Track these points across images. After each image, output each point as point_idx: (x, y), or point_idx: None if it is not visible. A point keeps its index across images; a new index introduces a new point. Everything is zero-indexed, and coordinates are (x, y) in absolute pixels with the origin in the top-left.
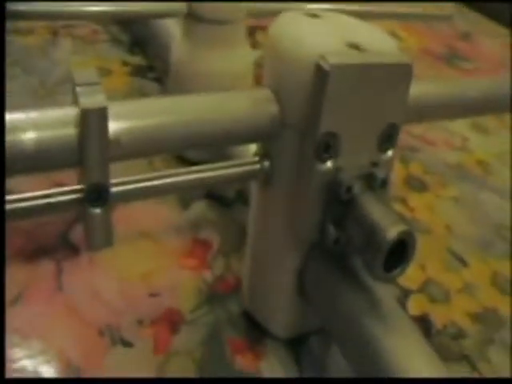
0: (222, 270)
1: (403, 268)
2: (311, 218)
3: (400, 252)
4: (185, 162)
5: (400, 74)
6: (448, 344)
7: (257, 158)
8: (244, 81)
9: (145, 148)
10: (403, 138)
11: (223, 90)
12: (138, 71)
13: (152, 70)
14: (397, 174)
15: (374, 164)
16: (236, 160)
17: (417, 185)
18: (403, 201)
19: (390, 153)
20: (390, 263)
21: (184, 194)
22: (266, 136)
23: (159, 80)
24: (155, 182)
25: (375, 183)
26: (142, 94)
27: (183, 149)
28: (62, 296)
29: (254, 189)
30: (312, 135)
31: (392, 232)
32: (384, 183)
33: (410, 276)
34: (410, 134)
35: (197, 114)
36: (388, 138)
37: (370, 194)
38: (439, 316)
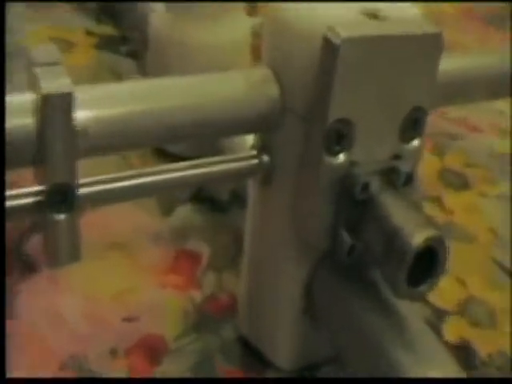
0: (213, 288)
1: (432, 282)
2: (320, 223)
3: (428, 263)
4: (167, 157)
5: (427, 46)
6: None
7: (254, 152)
8: (239, 56)
9: (118, 140)
10: (438, 122)
11: (213, 68)
12: (107, 43)
13: (125, 42)
14: (429, 168)
15: (397, 156)
16: (229, 154)
17: (455, 181)
18: (437, 201)
19: (415, 142)
20: (415, 276)
21: (166, 196)
22: (266, 125)
23: (134, 55)
24: (132, 182)
25: (398, 179)
26: (113, 72)
27: (165, 142)
28: (14, 323)
29: (251, 189)
30: (320, 123)
31: (417, 238)
32: (409, 179)
33: (446, 293)
34: (447, 117)
35: (181, 100)
36: (413, 124)
37: (392, 193)
38: (483, 343)
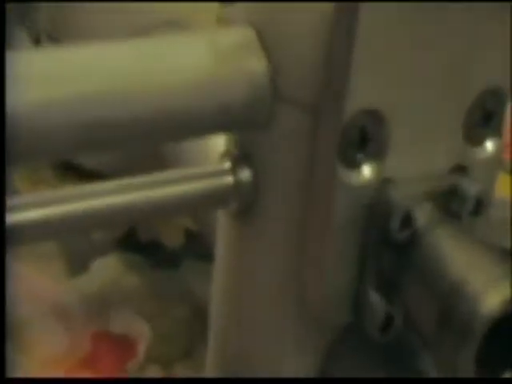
0: None
1: None
2: (335, 279)
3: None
4: (76, 174)
5: None
6: None
7: (228, 165)
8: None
9: (14, 146)
10: None
11: (163, 26)
12: None
13: None
14: None
15: (460, 168)
16: (184, 169)
17: None
18: None
19: (490, 145)
20: (491, 361)
21: (77, 242)
22: (246, 121)
23: None
24: (27, 215)
25: (462, 206)
26: None
27: (83, 149)
28: None
29: (222, 225)
30: (333, 117)
31: (490, 298)
32: (480, 205)
33: None
34: None
35: (111, 82)
36: (486, 116)
37: (451, 229)
38: None
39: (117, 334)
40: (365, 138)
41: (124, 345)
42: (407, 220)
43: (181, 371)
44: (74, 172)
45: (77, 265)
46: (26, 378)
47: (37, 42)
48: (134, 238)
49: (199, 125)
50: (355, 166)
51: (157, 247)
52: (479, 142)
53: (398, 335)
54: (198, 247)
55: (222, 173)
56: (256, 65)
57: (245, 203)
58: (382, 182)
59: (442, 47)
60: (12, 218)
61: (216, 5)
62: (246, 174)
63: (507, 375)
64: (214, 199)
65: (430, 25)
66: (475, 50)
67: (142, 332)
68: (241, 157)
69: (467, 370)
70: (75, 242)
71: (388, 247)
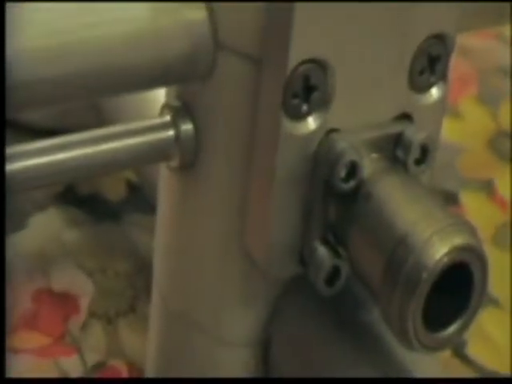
0: (100, 352)
1: (464, 322)
2: (280, 232)
3: (457, 290)
4: (12, 130)
5: None
6: None
7: (167, 118)
8: None
9: None
10: (485, 49)
11: None
12: None
13: None
14: (472, 132)
15: (405, 116)
16: (123, 124)
17: None
18: (487, 187)
19: (435, 92)
20: (436, 313)
21: (12, 197)
22: (186, 72)
23: None
24: None
25: (407, 155)
26: None
27: (17, 106)
28: None
29: (163, 178)
30: (277, 67)
31: (437, 249)
32: (425, 154)
33: (499, 343)
34: (502, 38)
35: (46, 36)
36: (431, 62)
37: (396, 178)
38: None
39: (58, 291)
40: (309, 88)
41: (66, 301)
42: (353, 170)
43: (124, 327)
44: (9, 129)
45: (15, 221)
46: (26, 378)
47: None
48: (74, 191)
49: (139, 78)
50: (300, 116)
51: (97, 200)
52: (425, 88)
53: (345, 288)
54: (141, 200)
55: (163, 126)
56: (195, 14)
57: (187, 157)
58: (328, 133)
59: None
60: None
61: None
62: (187, 127)
63: (453, 328)
64: (156, 153)
65: None
66: None
67: (84, 288)
68: (182, 109)
69: (415, 322)
70: (12, 197)
71: (334, 198)
